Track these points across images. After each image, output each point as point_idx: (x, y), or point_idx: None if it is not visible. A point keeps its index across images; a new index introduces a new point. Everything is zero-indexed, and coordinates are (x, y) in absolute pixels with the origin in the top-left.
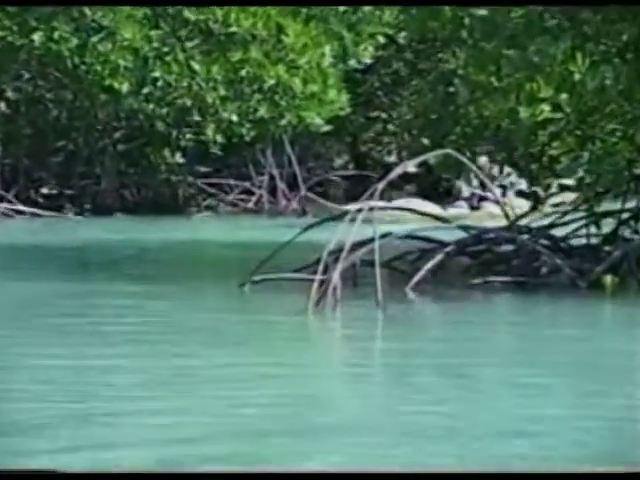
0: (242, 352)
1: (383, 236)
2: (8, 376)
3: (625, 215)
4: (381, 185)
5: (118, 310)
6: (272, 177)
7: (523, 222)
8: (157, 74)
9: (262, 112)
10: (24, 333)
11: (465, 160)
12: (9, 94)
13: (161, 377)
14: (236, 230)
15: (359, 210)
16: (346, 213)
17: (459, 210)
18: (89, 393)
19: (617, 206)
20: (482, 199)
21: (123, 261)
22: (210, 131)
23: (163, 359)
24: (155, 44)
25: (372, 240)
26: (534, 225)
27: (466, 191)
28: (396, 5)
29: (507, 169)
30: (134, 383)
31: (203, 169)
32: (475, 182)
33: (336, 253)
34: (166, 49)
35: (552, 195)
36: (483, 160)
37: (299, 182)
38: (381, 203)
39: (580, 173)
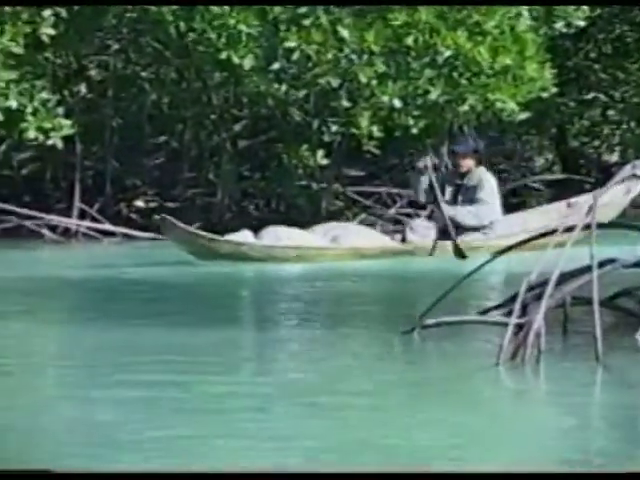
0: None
1: (602, 264)
2: None
3: None
4: (601, 194)
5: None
6: None
7: None
8: (292, 44)
9: (435, 94)
10: None
11: None
12: (92, 72)
13: None
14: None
15: (569, 229)
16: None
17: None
18: None
19: None
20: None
21: (255, 300)
22: (364, 121)
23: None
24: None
25: (588, 270)
26: None
27: None
28: (397, 5)
29: None
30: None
31: (354, 173)
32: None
33: (538, 288)
34: (304, 10)
35: None
36: None
37: None
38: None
39: None
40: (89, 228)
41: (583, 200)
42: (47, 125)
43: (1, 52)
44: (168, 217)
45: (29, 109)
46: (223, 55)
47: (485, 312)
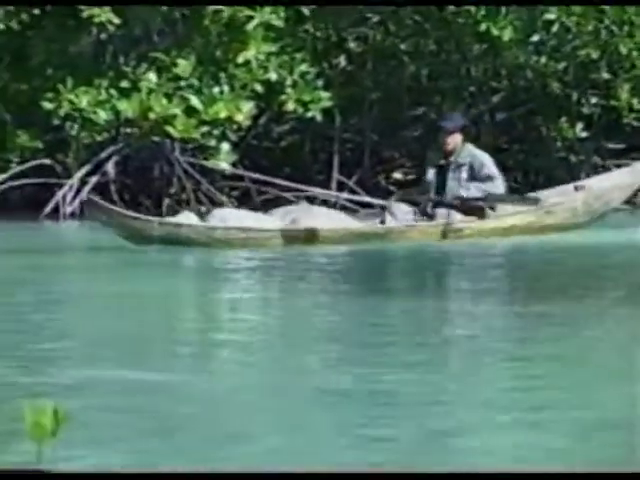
0: None
1: None
2: None
3: None
4: None
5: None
6: None
7: None
8: (552, 16)
9: None
10: None
11: None
12: (351, 44)
13: None
14: None
15: None
16: None
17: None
18: None
19: None
20: (438, 204)
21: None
22: (624, 93)
23: None
24: None
25: None
26: None
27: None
28: (398, 6)
29: None
30: None
31: (613, 146)
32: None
33: None
34: None
35: None
36: None
37: None
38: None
39: None
40: (347, 200)
41: (591, 184)
42: (306, 97)
43: (262, 25)
44: (92, 197)
45: (288, 81)
46: (482, 27)
47: None
